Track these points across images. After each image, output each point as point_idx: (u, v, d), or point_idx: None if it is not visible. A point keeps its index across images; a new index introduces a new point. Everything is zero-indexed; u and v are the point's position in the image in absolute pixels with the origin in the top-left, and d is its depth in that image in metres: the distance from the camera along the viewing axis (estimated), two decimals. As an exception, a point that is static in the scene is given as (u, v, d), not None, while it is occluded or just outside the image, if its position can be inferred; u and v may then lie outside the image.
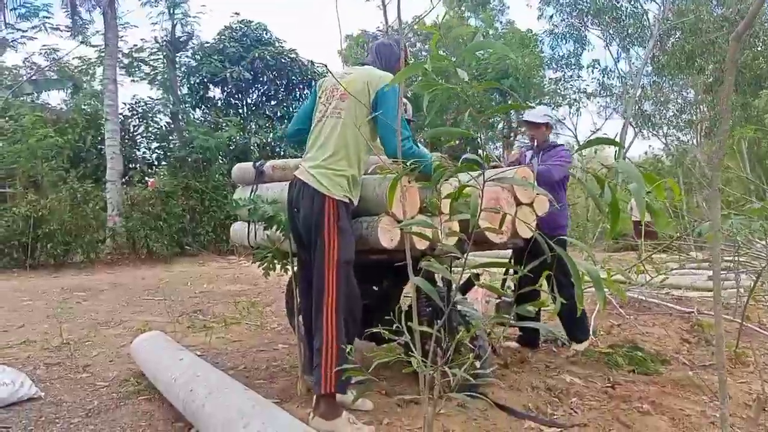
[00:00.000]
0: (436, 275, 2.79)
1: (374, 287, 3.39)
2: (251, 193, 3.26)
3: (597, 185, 1.25)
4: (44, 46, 18.91)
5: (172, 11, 15.67)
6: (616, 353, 3.70)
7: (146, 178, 15.07)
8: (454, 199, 1.42)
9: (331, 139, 2.63)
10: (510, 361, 3.65)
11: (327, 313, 2.53)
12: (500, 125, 23.54)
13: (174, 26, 15.84)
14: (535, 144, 4.03)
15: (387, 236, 2.58)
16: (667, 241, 5.40)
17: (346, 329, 2.59)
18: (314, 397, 2.59)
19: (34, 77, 16.76)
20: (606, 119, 29.85)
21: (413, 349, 1.63)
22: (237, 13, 17.68)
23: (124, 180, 13.55)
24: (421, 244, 2.49)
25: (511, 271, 3.46)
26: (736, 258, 4.39)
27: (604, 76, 24.46)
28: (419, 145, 2.68)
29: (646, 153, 25.96)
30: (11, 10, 14.03)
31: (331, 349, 2.50)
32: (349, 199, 2.62)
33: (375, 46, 2.96)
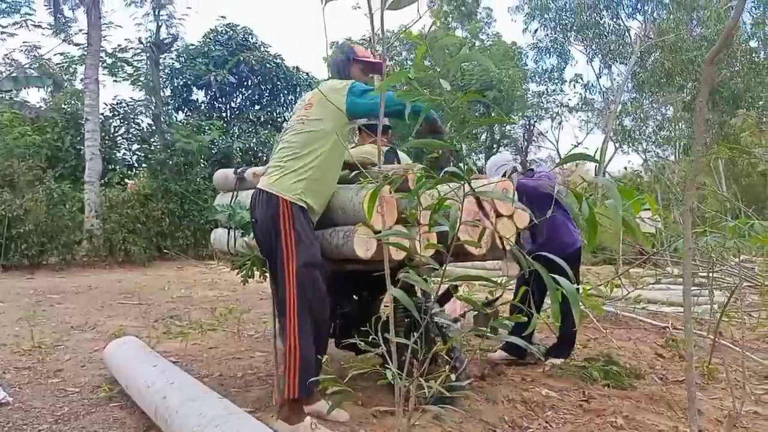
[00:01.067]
0: (416, 286, 2.80)
1: (354, 296, 3.38)
2: (231, 199, 3.25)
3: (575, 199, 1.27)
4: (25, 42, 18.67)
5: (157, 12, 15.58)
6: (591, 367, 3.73)
7: (126, 180, 14.89)
8: (434, 210, 1.43)
9: (290, 145, 2.71)
10: (487, 373, 3.66)
11: (289, 320, 2.55)
12: (483, 136, 23.73)
13: (159, 27, 15.75)
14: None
15: (363, 246, 2.58)
16: (642, 257, 5.47)
17: (314, 335, 2.60)
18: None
19: (13, 74, 16.48)
20: (587, 134, 30.29)
21: (389, 360, 1.62)
22: (223, 17, 17.76)
23: (102, 181, 13.36)
24: (398, 255, 2.49)
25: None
26: (711, 274, 4.47)
27: (586, 91, 24.89)
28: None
29: (625, 168, 26.35)
30: (-8, 5, 13.83)
31: (294, 354, 2.53)
32: (307, 204, 2.64)
33: (332, 62, 3.04)
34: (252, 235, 2.87)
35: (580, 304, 1.33)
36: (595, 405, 3.13)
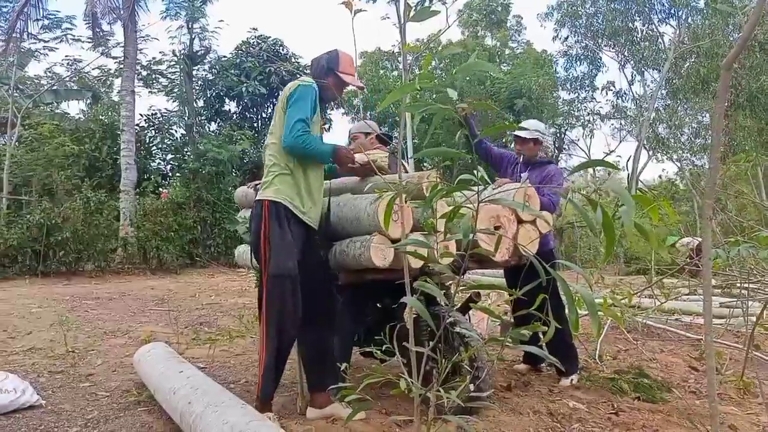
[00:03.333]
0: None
1: (377, 305, 3.39)
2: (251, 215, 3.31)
3: (591, 208, 1.24)
4: (66, 56, 19.33)
5: (190, 25, 15.96)
6: (621, 379, 3.64)
7: (159, 189, 15.22)
8: (450, 219, 1.42)
9: (269, 154, 2.92)
10: (513, 384, 3.61)
11: (262, 325, 2.76)
12: (512, 145, 23.52)
13: (192, 40, 16.12)
14: (521, 160, 3.89)
15: (380, 255, 2.59)
16: (677, 266, 5.33)
17: (277, 347, 2.73)
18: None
19: (54, 87, 17.08)
20: (620, 141, 29.73)
21: (410, 369, 1.61)
22: (255, 29, 17.97)
23: (137, 190, 13.70)
24: (416, 264, 2.49)
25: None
26: (748, 285, 4.33)
27: (618, 98, 24.46)
28: (316, 139, 2.81)
29: (660, 177, 25.84)
30: (35, 20, 14.34)
31: (261, 358, 2.75)
32: (287, 200, 2.75)
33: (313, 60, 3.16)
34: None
35: (600, 313, 1.30)
36: (624, 418, 3.05)
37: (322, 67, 2.97)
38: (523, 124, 3.90)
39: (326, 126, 18.46)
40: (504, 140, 20.10)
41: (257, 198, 2.86)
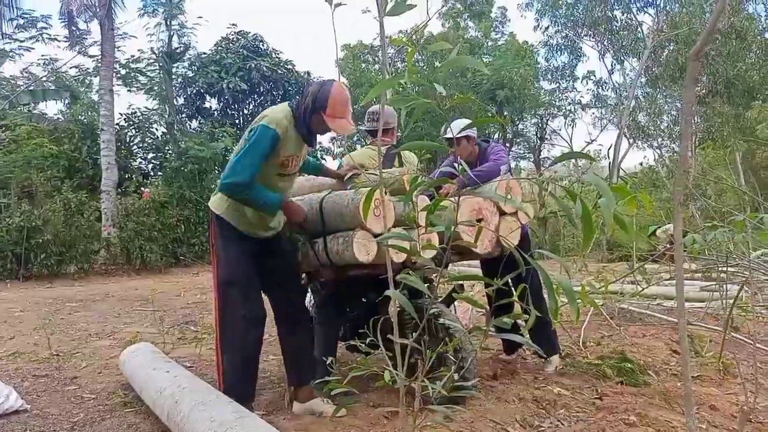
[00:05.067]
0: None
1: (362, 299, 3.40)
2: None
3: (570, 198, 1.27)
4: (42, 56, 19.02)
5: (168, 22, 15.79)
6: (604, 364, 3.70)
7: (141, 189, 15.07)
8: (430, 211, 1.44)
9: None
10: (499, 373, 3.65)
11: (217, 329, 2.87)
12: (495, 135, 23.63)
13: (171, 37, 15.96)
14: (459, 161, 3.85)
15: (363, 251, 2.60)
16: (656, 253, 5.42)
17: (240, 345, 2.81)
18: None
19: (31, 87, 16.80)
20: (601, 130, 29.95)
21: (395, 362, 1.63)
22: (234, 25, 17.85)
23: (119, 190, 13.56)
24: (399, 258, 2.51)
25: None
26: (726, 268, 4.41)
27: (598, 88, 24.65)
28: (261, 189, 2.69)
29: (641, 164, 26.08)
30: (9, 20, 14.09)
31: (217, 362, 2.91)
32: (230, 215, 2.78)
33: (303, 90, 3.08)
34: None
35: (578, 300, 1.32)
36: (608, 402, 3.11)
37: (306, 106, 2.71)
38: (453, 126, 3.88)
39: (315, 151, 18.33)
40: (487, 132, 20.18)
41: (209, 202, 2.89)
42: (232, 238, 2.77)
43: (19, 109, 16.13)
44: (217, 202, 2.82)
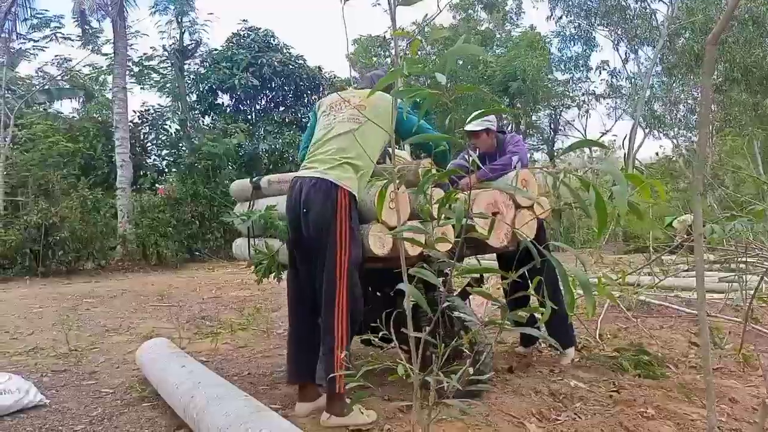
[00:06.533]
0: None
1: (377, 293, 3.40)
2: (248, 208, 3.30)
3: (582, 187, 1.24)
4: (56, 55, 19.16)
5: (180, 20, 15.81)
6: (621, 357, 3.67)
7: (156, 185, 15.18)
8: (443, 204, 1.42)
9: (347, 140, 2.73)
10: (515, 366, 3.63)
11: (338, 316, 2.61)
12: (509, 127, 23.47)
13: (182, 34, 15.98)
14: (477, 153, 3.79)
15: (378, 244, 2.59)
16: (673, 244, 5.34)
17: (351, 332, 2.67)
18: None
19: (46, 87, 16.96)
20: (616, 120, 29.59)
21: (409, 355, 1.62)
22: (245, 20, 17.79)
23: (134, 187, 13.66)
24: (414, 251, 2.49)
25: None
26: (745, 259, 4.33)
27: (612, 78, 24.37)
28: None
29: (657, 154, 25.79)
30: (23, 20, 14.21)
31: (342, 351, 2.57)
32: (356, 199, 2.70)
33: (371, 76, 3.08)
34: (294, 226, 2.81)
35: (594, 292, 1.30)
36: (626, 395, 3.08)
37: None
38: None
39: None
40: (501, 123, 20.02)
41: (332, 180, 2.64)
42: (357, 220, 2.72)
43: (34, 108, 16.30)
44: (351, 182, 2.68)
